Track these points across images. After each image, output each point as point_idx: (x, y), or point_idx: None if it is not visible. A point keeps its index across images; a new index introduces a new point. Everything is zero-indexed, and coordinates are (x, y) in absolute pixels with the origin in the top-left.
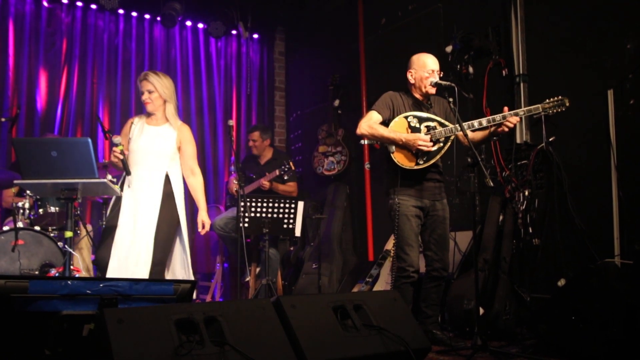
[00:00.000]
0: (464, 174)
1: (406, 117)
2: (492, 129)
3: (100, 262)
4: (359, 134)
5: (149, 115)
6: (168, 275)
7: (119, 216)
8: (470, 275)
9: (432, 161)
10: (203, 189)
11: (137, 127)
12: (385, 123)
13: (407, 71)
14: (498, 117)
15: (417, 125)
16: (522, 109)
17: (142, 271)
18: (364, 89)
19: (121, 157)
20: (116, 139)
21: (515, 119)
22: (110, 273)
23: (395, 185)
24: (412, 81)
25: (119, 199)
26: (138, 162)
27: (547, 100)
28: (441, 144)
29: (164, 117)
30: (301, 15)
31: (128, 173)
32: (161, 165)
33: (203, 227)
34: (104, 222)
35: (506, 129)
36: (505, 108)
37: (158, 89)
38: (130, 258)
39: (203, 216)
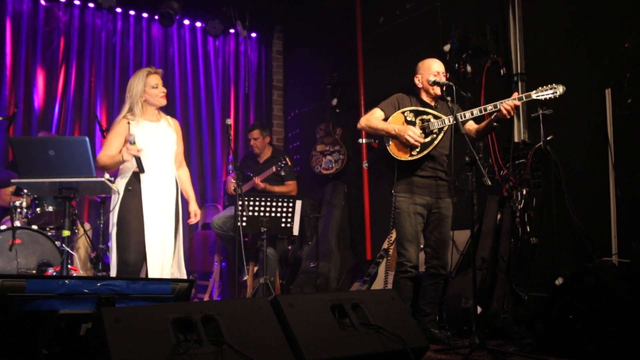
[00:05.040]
0: (461, 172)
1: (403, 112)
2: (493, 115)
3: (134, 266)
4: (358, 127)
5: (143, 111)
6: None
7: (140, 218)
8: (468, 274)
9: (425, 152)
10: (190, 179)
11: (135, 125)
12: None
13: (414, 77)
14: (489, 106)
15: (413, 119)
16: (519, 95)
17: (175, 272)
18: (362, 87)
19: (138, 154)
20: (131, 137)
21: (512, 102)
22: (152, 275)
23: (398, 183)
24: (419, 85)
25: (125, 200)
26: (147, 162)
27: (540, 88)
28: (434, 135)
29: (158, 113)
30: (299, 14)
31: (142, 171)
32: (170, 164)
33: (195, 216)
34: (102, 222)
35: (505, 113)
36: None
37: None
38: (164, 260)
39: (194, 206)
